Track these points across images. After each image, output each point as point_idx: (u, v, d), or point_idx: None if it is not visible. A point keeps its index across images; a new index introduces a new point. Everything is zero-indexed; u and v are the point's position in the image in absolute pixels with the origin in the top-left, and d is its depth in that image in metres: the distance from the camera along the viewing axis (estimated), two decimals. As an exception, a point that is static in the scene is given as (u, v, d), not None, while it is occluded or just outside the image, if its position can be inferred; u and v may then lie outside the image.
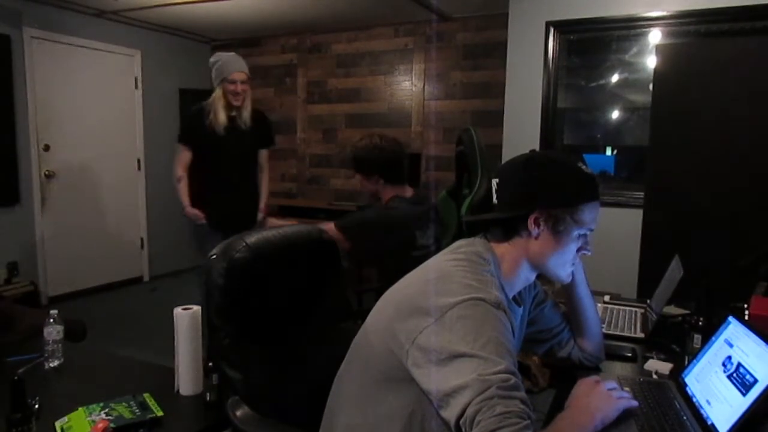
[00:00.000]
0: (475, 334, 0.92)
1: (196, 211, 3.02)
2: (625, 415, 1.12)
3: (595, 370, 1.42)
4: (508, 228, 1.13)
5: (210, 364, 1.48)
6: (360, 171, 2.25)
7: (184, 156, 3.06)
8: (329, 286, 1.52)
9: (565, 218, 1.09)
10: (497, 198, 1.16)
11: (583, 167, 1.13)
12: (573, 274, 1.23)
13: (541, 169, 1.13)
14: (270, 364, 1.31)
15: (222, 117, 2.96)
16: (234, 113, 3.02)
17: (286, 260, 1.38)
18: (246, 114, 3.05)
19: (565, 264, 1.15)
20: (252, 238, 1.32)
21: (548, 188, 1.10)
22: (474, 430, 0.84)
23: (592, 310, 1.37)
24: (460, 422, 0.87)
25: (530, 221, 1.09)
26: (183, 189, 3.05)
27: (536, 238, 1.10)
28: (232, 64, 2.98)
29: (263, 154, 3.30)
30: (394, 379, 1.02)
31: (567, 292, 1.34)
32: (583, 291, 1.34)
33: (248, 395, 1.25)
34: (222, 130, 2.98)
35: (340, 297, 1.56)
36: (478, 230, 1.20)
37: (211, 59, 3.06)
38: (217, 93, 2.99)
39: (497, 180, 1.17)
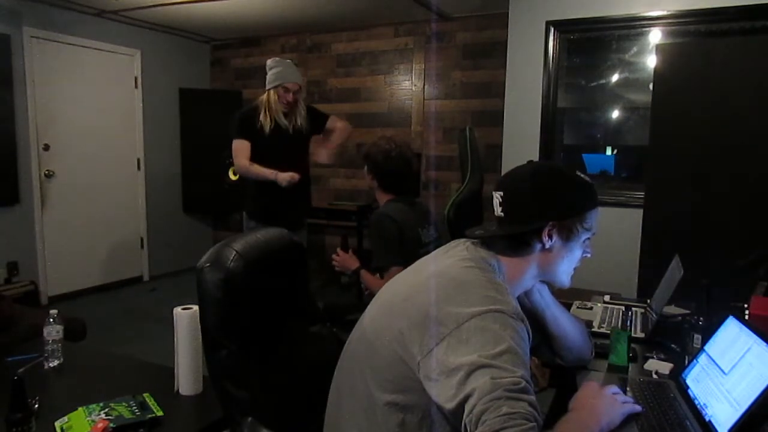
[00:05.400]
0: (493, 346, 0.91)
1: (289, 174, 3.02)
2: (627, 417, 1.12)
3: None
4: (518, 241, 1.13)
5: None
6: (366, 166, 2.41)
7: (244, 147, 3.08)
8: (302, 289, 1.50)
9: (575, 226, 1.12)
10: (504, 212, 1.14)
11: (582, 175, 1.16)
12: (542, 297, 1.29)
13: (548, 182, 1.14)
14: (272, 378, 1.28)
15: (269, 121, 3.08)
16: (283, 117, 3.12)
17: (269, 266, 1.36)
18: (300, 119, 3.17)
19: (570, 270, 1.18)
20: (238, 245, 1.27)
21: (558, 200, 1.12)
22: (478, 429, 0.83)
23: (569, 325, 1.35)
24: (466, 420, 0.86)
25: (544, 234, 1.10)
26: (259, 168, 3.05)
27: (549, 249, 1.12)
28: (289, 74, 3.09)
29: (329, 121, 3.37)
30: (404, 388, 1.00)
31: (540, 317, 1.31)
32: (556, 311, 1.32)
33: (262, 415, 1.21)
34: (269, 132, 3.08)
35: (309, 299, 1.55)
36: (461, 231, 1.20)
37: (269, 62, 3.14)
38: (272, 97, 3.09)
39: (501, 194, 1.15)
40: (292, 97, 3.09)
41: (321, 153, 3.34)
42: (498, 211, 1.16)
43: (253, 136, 3.09)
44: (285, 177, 2.99)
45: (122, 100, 5.10)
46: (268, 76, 3.11)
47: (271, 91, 3.08)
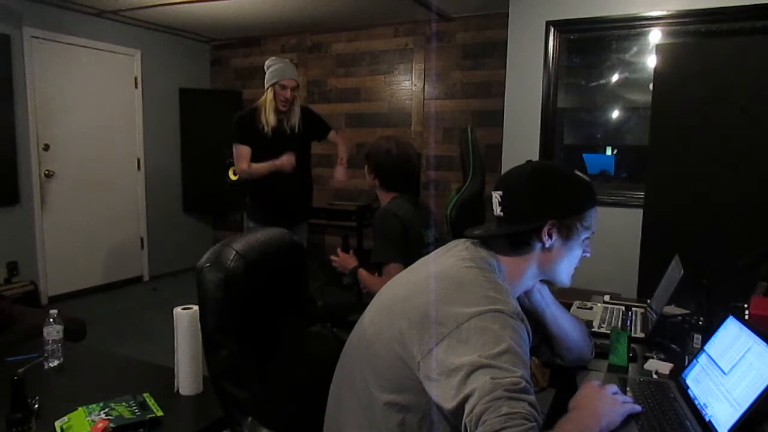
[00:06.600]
0: (492, 346, 0.91)
1: (285, 156, 3.05)
2: (627, 417, 1.11)
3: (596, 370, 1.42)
4: (518, 240, 1.13)
5: None
6: (367, 165, 2.40)
7: (244, 151, 3.11)
8: (302, 289, 1.51)
9: (575, 225, 1.12)
10: (503, 211, 1.14)
11: (580, 174, 1.17)
12: (542, 297, 1.29)
13: (547, 181, 1.14)
14: (272, 378, 1.29)
15: (272, 119, 3.10)
16: (282, 116, 3.15)
17: (269, 266, 1.35)
18: (294, 119, 3.17)
19: (571, 269, 1.18)
20: (238, 245, 1.27)
21: (558, 199, 1.12)
22: (478, 429, 0.83)
23: (569, 325, 1.36)
24: (466, 420, 0.86)
25: (544, 232, 1.10)
26: (258, 166, 3.09)
27: (549, 248, 1.12)
28: (286, 72, 3.12)
29: (330, 134, 3.43)
30: (404, 388, 1.00)
31: (540, 317, 1.31)
32: (556, 311, 1.33)
33: (262, 415, 1.21)
34: (271, 131, 3.10)
35: (309, 299, 1.55)
36: (463, 231, 1.20)
37: (267, 61, 3.17)
38: (269, 95, 3.11)
39: (500, 193, 1.15)
40: (289, 94, 3.09)
41: (339, 171, 3.39)
42: (497, 210, 1.16)
43: (252, 138, 3.10)
44: (283, 161, 3.03)
45: (122, 100, 5.10)
46: (266, 75, 3.13)
47: (269, 90, 3.10)
